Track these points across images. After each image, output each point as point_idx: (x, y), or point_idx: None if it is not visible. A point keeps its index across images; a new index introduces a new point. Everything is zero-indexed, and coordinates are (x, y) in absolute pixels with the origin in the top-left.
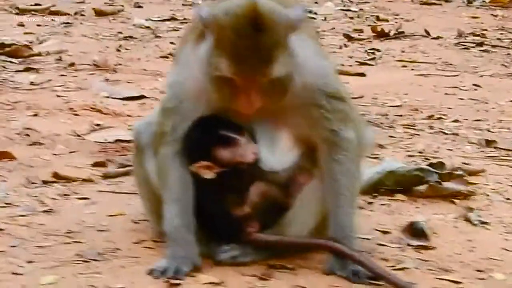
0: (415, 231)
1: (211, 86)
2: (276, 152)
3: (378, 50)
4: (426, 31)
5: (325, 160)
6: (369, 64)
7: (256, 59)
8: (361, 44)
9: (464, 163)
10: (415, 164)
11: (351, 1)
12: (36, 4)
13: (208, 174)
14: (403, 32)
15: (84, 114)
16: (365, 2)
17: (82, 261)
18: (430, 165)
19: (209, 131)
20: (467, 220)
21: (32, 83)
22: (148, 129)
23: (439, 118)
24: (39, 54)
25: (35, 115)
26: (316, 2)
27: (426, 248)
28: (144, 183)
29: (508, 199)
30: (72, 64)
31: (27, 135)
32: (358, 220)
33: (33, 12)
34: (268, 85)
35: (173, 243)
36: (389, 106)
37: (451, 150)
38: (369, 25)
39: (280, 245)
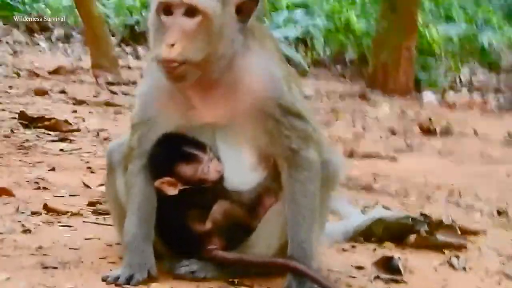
0: (389, 266)
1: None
2: (241, 171)
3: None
4: (474, 130)
5: (285, 179)
6: (404, 151)
7: None
8: (403, 137)
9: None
10: (406, 215)
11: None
12: (94, 96)
13: (171, 191)
14: (450, 130)
15: (101, 172)
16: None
17: (42, 267)
18: (421, 215)
19: (172, 148)
20: (450, 264)
21: (61, 150)
22: (120, 148)
23: (458, 194)
24: (77, 130)
25: (52, 169)
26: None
27: (397, 282)
28: (113, 200)
29: (501, 254)
30: (106, 139)
31: (37, 182)
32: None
33: (87, 103)
34: (191, 30)
35: (129, 252)
36: (411, 181)
37: (457, 213)
38: (418, 123)
39: (240, 262)
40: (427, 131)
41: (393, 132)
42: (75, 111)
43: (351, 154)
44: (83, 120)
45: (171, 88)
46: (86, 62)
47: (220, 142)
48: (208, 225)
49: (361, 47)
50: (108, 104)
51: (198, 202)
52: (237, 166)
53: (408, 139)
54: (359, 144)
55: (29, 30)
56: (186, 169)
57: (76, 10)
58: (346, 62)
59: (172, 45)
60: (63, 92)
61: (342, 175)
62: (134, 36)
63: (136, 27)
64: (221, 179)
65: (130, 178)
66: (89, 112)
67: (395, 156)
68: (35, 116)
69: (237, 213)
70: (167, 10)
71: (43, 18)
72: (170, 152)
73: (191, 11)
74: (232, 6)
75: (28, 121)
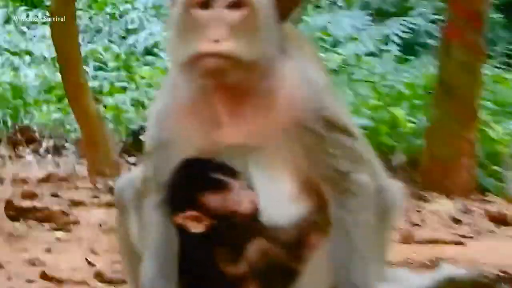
0: None
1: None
2: (280, 202)
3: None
4: None
5: (333, 208)
6: (471, 238)
7: None
8: (470, 225)
9: None
10: (480, 272)
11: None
12: (93, 197)
13: (196, 227)
14: None
15: (109, 254)
16: None
17: None
18: (500, 272)
19: (196, 175)
20: None
21: (57, 239)
22: (131, 183)
23: None
24: (76, 222)
25: (48, 250)
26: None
27: None
28: (125, 246)
29: None
30: (112, 229)
31: (31, 261)
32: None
33: (86, 204)
34: (237, 24)
35: None
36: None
37: None
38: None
39: None
40: (499, 220)
41: (456, 221)
42: (71, 211)
43: (407, 240)
44: (82, 215)
45: (194, 102)
46: (82, 171)
47: (254, 166)
48: (242, 268)
49: (411, 148)
50: (110, 205)
51: (228, 241)
52: (275, 196)
53: (475, 226)
54: (416, 232)
55: (12, 143)
56: (213, 200)
57: (72, 112)
58: (393, 166)
59: (217, 40)
60: (55, 196)
61: (400, 205)
62: (138, 145)
63: (139, 134)
64: (255, 211)
65: (146, 216)
66: (88, 211)
67: (462, 241)
68: (25, 207)
69: (276, 253)
70: (203, 2)
71: (28, 130)
72: (193, 179)
73: (236, 3)
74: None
75: (16, 212)
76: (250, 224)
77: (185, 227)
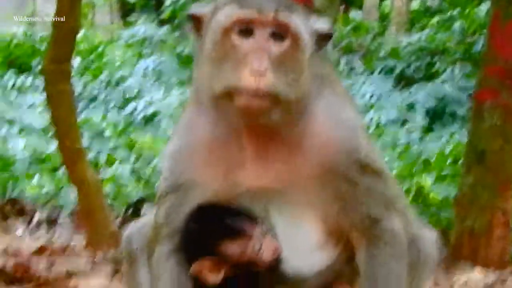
0: None
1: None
2: (304, 251)
3: None
4: None
5: (362, 259)
6: None
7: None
8: None
9: None
10: None
11: None
12: (91, 269)
13: (213, 277)
14: None
15: None
16: None
17: None
18: None
19: (213, 221)
20: None
21: None
22: (141, 231)
23: None
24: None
25: None
26: None
27: None
28: None
29: None
30: None
31: None
32: None
33: (84, 275)
34: (279, 56)
35: None
36: None
37: None
38: None
39: None
40: None
41: None
42: (69, 281)
43: None
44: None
45: (217, 141)
46: (79, 245)
47: (276, 212)
48: None
49: (439, 220)
50: (110, 275)
51: None
52: (299, 244)
53: None
54: None
55: (2, 215)
56: (232, 248)
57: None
58: None
59: (262, 72)
60: (51, 266)
61: (435, 256)
62: (138, 217)
63: (140, 207)
64: (277, 261)
65: (158, 265)
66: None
67: None
68: (19, 276)
69: None
70: (246, 30)
71: (18, 201)
72: (210, 226)
73: (281, 32)
74: (313, 35)
75: (9, 280)
76: (271, 274)
77: (202, 277)
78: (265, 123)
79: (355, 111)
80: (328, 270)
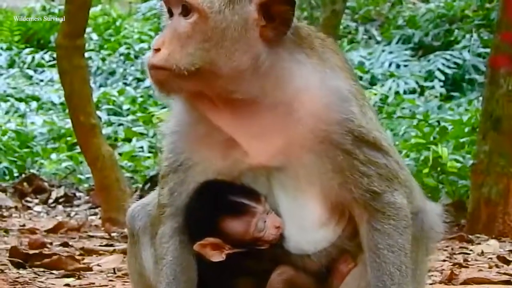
0: None
1: None
2: (307, 228)
3: None
4: None
5: (365, 233)
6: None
7: None
8: None
9: None
10: None
11: None
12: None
13: (216, 256)
14: None
15: None
16: None
17: None
18: None
19: (215, 199)
20: None
21: (66, 285)
22: (143, 211)
23: None
24: (88, 269)
25: None
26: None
27: None
28: (138, 277)
29: None
30: (127, 274)
31: None
32: None
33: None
34: (186, 31)
35: None
36: None
37: None
38: None
39: None
40: None
41: (505, 261)
42: (83, 258)
43: (450, 280)
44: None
45: (208, 121)
46: (95, 221)
47: (277, 189)
48: None
49: (456, 189)
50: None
51: (251, 270)
52: (301, 221)
53: None
54: (461, 272)
55: (19, 193)
56: (235, 226)
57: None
58: None
59: (158, 49)
60: (66, 245)
61: (440, 228)
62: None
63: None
64: (280, 238)
65: (161, 244)
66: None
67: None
68: (31, 253)
69: (303, 282)
70: (169, 11)
71: (36, 179)
72: (213, 204)
73: (186, 9)
74: (251, 6)
75: (21, 258)
76: (274, 251)
77: (204, 256)
78: (223, 99)
79: (348, 81)
80: (331, 246)
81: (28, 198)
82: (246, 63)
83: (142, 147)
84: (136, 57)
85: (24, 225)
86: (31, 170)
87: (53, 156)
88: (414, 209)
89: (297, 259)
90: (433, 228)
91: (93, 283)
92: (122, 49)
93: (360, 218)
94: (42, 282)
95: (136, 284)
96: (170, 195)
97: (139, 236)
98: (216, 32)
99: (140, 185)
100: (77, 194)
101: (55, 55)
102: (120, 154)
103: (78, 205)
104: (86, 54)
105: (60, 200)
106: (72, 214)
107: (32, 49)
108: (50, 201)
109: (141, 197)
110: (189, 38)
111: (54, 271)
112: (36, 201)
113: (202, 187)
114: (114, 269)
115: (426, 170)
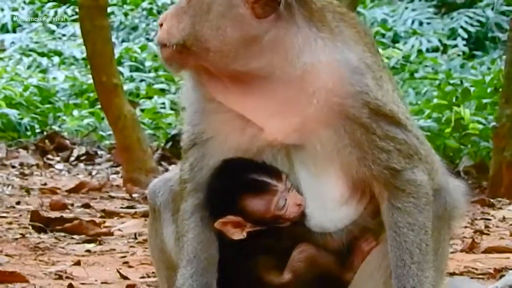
0: None
1: None
2: (328, 205)
3: None
4: None
5: (386, 211)
6: None
7: None
8: None
9: None
10: None
11: None
12: (128, 207)
13: (237, 234)
14: None
15: (143, 267)
16: None
17: None
18: None
19: (236, 177)
20: None
21: (87, 251)
22: (164, 186)
23: None
24: (109, 234)
25: (77, 263)
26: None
27: None
28: (159, 254)
29: None
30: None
31: (58, 274)
32: None
33: (120, 215)
34: (186, 7)
35: None
36: None
37: None
38: None
39: None
40: None
41: None
42: (104, 221)
43: (471, 249)
44: (115, 226)
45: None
46: (117, 180)
47: (298, 166)
48: (287, 276)
49: (478, 151)
50: (147, 215)
51: (272, 248)
52: (323, 198)
53: None
54: (482, 240)
55: (41, 151)
56: (256, 204)
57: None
58: (459, 171)
59: (161, 25)
60: (87, 206)
61: (462, 206)
62: (178, 151)
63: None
64: (302, 216)
65: (183, 221)
66: (122, 222)
67: None
68: (52, 217)
69: (324, 260)
70: None
71: (58, 136)
72: (234, 182)
73: None
74: None
75: (42, 223)
76: (295, 229)
77: (225, 234)
78: (229, 74)
79: (364, 53)
80: (353, 224)
81: (49, 156)
82: (236, 38)
83: (164, 103)
84: (159, 12)
85: (45, 184)
86: (53, 127)
87: (75, 112)
88: (435, 185)
89: (318, 237)
90: (456, 207)
91: (114, 249)
92: (145, 4)
93: (380, 196)
94: (62, 248)
95: (156, 260)
96: (191, 170)
97: (160, 212)
98: (202, 8)
99: (162, 143)
100: (99, 152)
101: (77, 10)
102: (142, 110)
103: (99, 163)
104: (109, 9)
105: (82, 158)
106: (94, 172)
107: (54, 3)
108: (72, 159)
109: (162, 156)
110: (184, 14)
111: (75, 236)
112: (58, 159)
113: (223, 165)
114: (135, 234)
115: (448, 130)
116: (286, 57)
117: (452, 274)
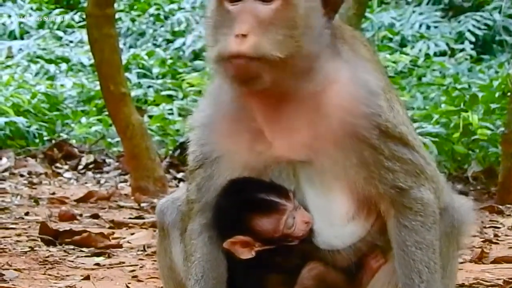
0: None
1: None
2: (336, 223)
3: None
4: None
5: (393, 229)
6: None
7: None
8: None
9: None
10: None
11: None
12: (137, 218)
13: (246, 253)
14: None
15: (152, 282)
16: None
17: None
18: None
19: (244, 196)
20: None
21: (97, 264)
22: (172, 206)
23: None
24: (118, 246)
25: (86, 278)
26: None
27: None
28: (168, 273)
29: None
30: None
31: None
32: None
33: (129, 225)
34: (268, 17)
35: None
36: None
37: None
38: None
39: None
40: None
41: None
42: (113, 232)
43: (480, 259)
44: (124, 237)
45: (235, 112)
46: (125, 189)
47: (305, 183)
48: None
49: (487, 157)
50: (155, 226)
51: (281, 266)
52: (330, 215)
53: None
54: (491, 250)
55: (49, 159)
56: (265, 224)
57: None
58: (468, 177)
59: (244, 35)
60: (96, 217)
61: (470, 225)
62: (186, 159)
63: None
64: (310, 234)
65: (190, 241)
66: (131, 234)
67: None
68: (61, 230)
69: (333, 278)
70: None
71: (66, 144)
72: (242, 202)
73: None
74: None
75: (51, 235)
76: (303, 247)
77: (234, 253)
78: (268, 89)
79: (377, 74)
80: (361, 241)
81: (58, 164)
82: (316, 52)
83: (171, 110)
84: (166, 17)
85: (54, 193)
86: (61, 134)
87: (83, 119)
88: (442, 204)
89: (326, 254)
90: (464, 222)
91: (123, 262)
92: (152, 10)
93: (387, 214)
94: (72, 261)
95: (166, 278)
96: (198, 191)
97: (169, 231)
98: (300, 18)
99: (170, 150)
100: (107, 160)
101: (84, 16)
102: (150, 117)
103: (107, 172)
104: (116, 15)
105: (90, 166)
106: (102, 181)
107: (62, 9)
108: (80, 167)
109: (171, 164)
110: (271, 25)
111: (84, 249)
112: (66, 167)
113: (230, 185)
114: (144, 246)
115: (456, 135)
116: (309, 73)
117: (461, 286)
